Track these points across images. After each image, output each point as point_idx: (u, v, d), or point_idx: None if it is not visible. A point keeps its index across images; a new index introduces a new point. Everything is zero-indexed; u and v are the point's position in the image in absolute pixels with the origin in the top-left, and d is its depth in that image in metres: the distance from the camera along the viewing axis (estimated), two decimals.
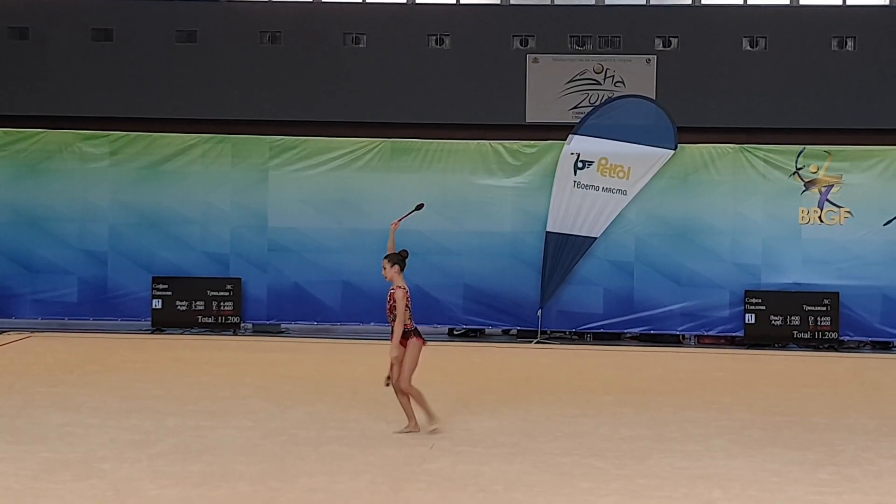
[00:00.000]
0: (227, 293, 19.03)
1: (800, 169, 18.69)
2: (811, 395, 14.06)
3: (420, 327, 11.87)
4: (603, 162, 18.77)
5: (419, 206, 12.69)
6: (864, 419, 12.47)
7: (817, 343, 18.39)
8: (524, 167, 19.06)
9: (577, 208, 18.72)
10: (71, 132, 19.47)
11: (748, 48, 19.38)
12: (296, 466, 9.84)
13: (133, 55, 19.80)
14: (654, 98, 19.09)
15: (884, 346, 18.67)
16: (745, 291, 18.54)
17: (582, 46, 19.47)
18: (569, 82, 19.43)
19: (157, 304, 19.03)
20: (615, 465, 10.08)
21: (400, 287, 11.23)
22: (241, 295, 19.05)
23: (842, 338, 18.47)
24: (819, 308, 18.37)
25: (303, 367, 15.70)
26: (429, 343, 11.56)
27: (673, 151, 18.70)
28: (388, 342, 11.26)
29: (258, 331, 19.36)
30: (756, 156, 18.78)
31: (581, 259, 18.75)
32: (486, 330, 19.34)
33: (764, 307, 18.45)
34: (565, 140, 18.84)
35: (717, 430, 11.69)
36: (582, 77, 19.41)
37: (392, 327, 11.19)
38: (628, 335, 19.22)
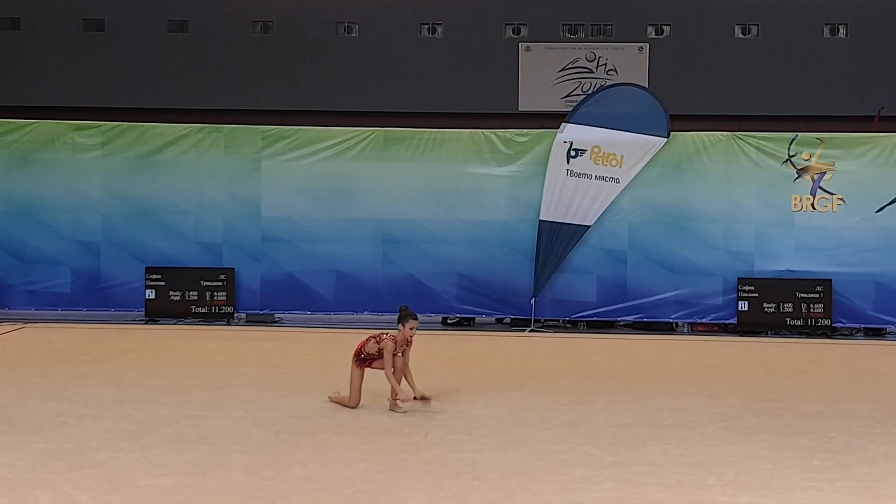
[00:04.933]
0: (220, 283, 19.01)
1: (792, 156, 18.70)
2: (804, 382, 14.09)
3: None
4: (596, 150, 18.77)
5: None
6: (858, 405, 12.50)
7: (810, 330, 18.42)
8: (517, 156, 19.05)
9: (570, 196, 18.72)
10: (63, 122, 19.42)
11: (740, 36, 19.40)
12: (290, 455, 9.84)
13: (125, 45, 19.78)
14: (646, 86, 19.09)
15: (876, 333, 18.70)
16: (738, 279, 18.57)
17: (574, 35, 19.49)
18: (561, 71, 19.45)
19: (150, 294, 19.01)
20: (609, 453, 10.10)
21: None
22: (234, 285, 19.04)
23: (835, 324, 18.50)
24: (812, 295, 18.40)
25: (297, 356, 15.70)
26: (422, 332, 11.63)
27: (666, 139, 18.71)
28: (384, 331, 11.47)
29: (252, 320, 19.35)
30: (748, 143, 18.79)
31: (574, 247, 18.75)
32: (476, 319, 19.35)
33: (757, 294, 18.47)
34: (558, 128, 18.84)
35: (711, 417, 11.71)
36: (574, 65, 19.43)
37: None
38: (622, 323, 19.22)
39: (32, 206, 19.25)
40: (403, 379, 11.77)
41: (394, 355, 11.69)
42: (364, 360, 11.79)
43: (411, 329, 11.67)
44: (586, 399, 12.67)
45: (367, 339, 11.83)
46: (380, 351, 11.68)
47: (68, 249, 19.22)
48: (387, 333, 11.77)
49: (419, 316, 12.15)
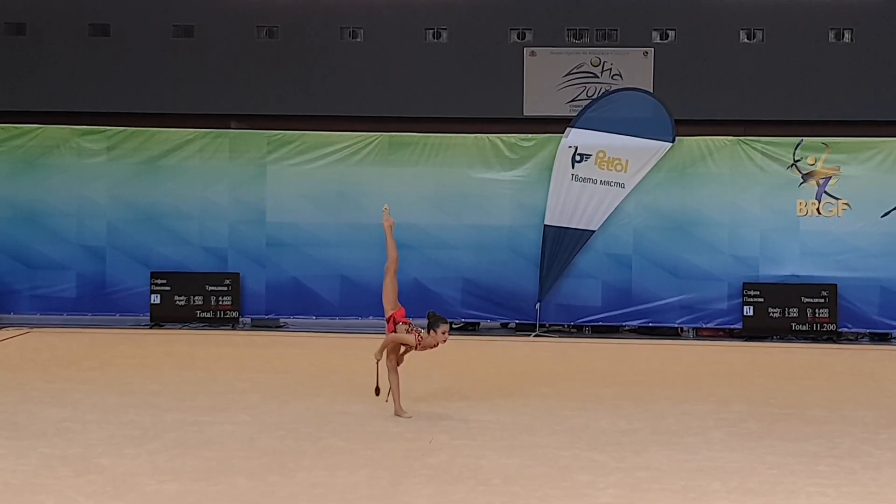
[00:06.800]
0: (225, 288, 19.03)
1: (797, 161, 18.69)
2: (809, 387, 14.07)
3: (418, 321, 11.88)
4: (601, 155, 18.77)
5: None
6: (863, 411, 12.48)
7: (815, 335, 18.41)
8: (522, 161, 19.06)
9: (575, 201, 18.73)
10: (68, 128, 19.44)
11: (745, 40, 19.39)
12: (295, 461, 9.84)
13: (130, 50, 19.82)
14: (651, 91, 19.10)
15: (882, 338, 18.68)
16: (744, 284, 18.55)
17: (579, 39, 19.48)
18: (566, 75, 19.45)
19: (155, 299, 19.03)
20: (614, 458, 10.08)
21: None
22: (239, 290, 19.05)
23: (840, 329, 18.49)
24: (817, 300, 18.39)
25: (301, 361, 15.70)
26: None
27: (671, 144, 18.70)
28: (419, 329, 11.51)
29: (257, 326, 19.36)
30: (754, 148, 18.79)
31: (579, 252, 18.75)
32: (481, 324, 19.36)
33: (762, 299, 18.46)
34: (563, 133, 18.84)
35: (716, 423, 11.70)
36: (579, 70, 19.42)
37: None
38: (627, 328, 19.23)
39: (38, 211, 19.29)
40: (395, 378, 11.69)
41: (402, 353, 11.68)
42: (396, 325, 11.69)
43: (444, 334, 11.51)
44: (591, 404, 12.66)
45: (407, 323, 11.68)
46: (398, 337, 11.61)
47: (73, 254, 19.25)
48: (419, 331, 11.62)
49: (425, 321, 12.09)
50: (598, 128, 18.78)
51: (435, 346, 11.60)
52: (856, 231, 18.54)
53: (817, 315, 18.39)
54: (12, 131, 19.45)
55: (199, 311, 19.03)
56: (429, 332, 11.49)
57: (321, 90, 19.69)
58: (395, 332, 11.66)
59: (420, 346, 11.57)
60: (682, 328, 19.10)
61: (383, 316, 11.98)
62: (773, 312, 18.43)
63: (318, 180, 19.20)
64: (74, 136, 19.41)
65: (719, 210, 18.75)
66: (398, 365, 11.75)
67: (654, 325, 18.92)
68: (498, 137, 19.13)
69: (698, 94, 19.24)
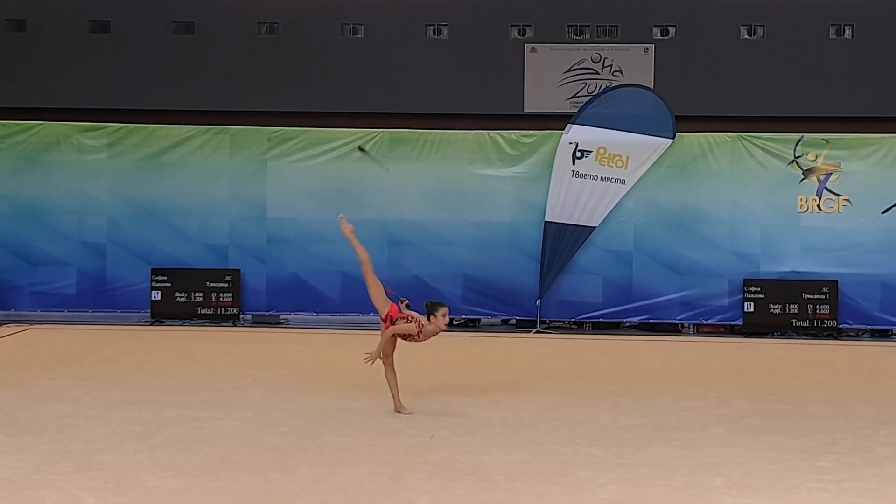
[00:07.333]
0: (226, 284, 19.04)
1: (798, 157, 18.69)
2: (810, 384, 14.08)
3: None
4: (601, 151, 18.77)
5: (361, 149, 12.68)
6: (863, 407, 12.49)
7: (816, 331, 18.41)
8: (522, 157, 19.06)
9: (576, 198, 18.73)
10: (69, 124, 19.45)
11: (746, 36, 19.36)
12: (296, 457, 9.85)
13: (130, 47, 19.78)
14: (652, 87, 19.08)
15: (882, 334, 18.69)
16: (744, 280, 18.57)
17: (580, 36, 19.45)
18: (567, 72, 19.41)
19: (156, 295, 19.04)
20: (614, 455, 10.09)
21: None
22: (240, 286, 19.06)
23: (841, 326, 18.49)
24: (818, 296, 18.40)
25: (302, 357, 15.71)
26: None
27: (671, 140, 18.71)
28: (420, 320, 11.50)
29: (257, 322, 19.38)
30: (754, 144, 18.79)
31: (580, 248, 18.76)
32: (482, 320, 19.36)
33: (763, 295, 18.47)
34: (563, 130, 18.84)
35: (716, 419, 11.71)
36: (580, 66, 19.39)
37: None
38: (627, 324, 19.24)
39: (38, 208, 19.30)
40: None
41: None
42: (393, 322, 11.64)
43: (444, 317, 11.46)
44: (591, 401, 12.67)
45: (405, 317, 11.61)
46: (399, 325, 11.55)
47: (74, 251, 19.26)
48: (419, 321, 11.59)
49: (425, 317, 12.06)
50: (599, 124, 18.79)
51: (436, 332, 11.56)
52: (857, 227, 18.55)
53: (818, 311, 18.40)
54: (13, 128, 19.46)
55: (199, 308, 19.04)
56: (429, 320, 11.48)
57: (321, 87, 19.67)
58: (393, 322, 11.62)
59: (422, 334, 11.53)
60: (682, 324, 19.12)
61: None
62: (774, 309, 18.44)
63: (319, 177, 19.21)
64: (75, 133, 19.42)
65: (720, 206, 18.76)
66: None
67: (654, 321, 18.93)
68: (498, 134, 19.13)
69: (699, 90, 19.22)
